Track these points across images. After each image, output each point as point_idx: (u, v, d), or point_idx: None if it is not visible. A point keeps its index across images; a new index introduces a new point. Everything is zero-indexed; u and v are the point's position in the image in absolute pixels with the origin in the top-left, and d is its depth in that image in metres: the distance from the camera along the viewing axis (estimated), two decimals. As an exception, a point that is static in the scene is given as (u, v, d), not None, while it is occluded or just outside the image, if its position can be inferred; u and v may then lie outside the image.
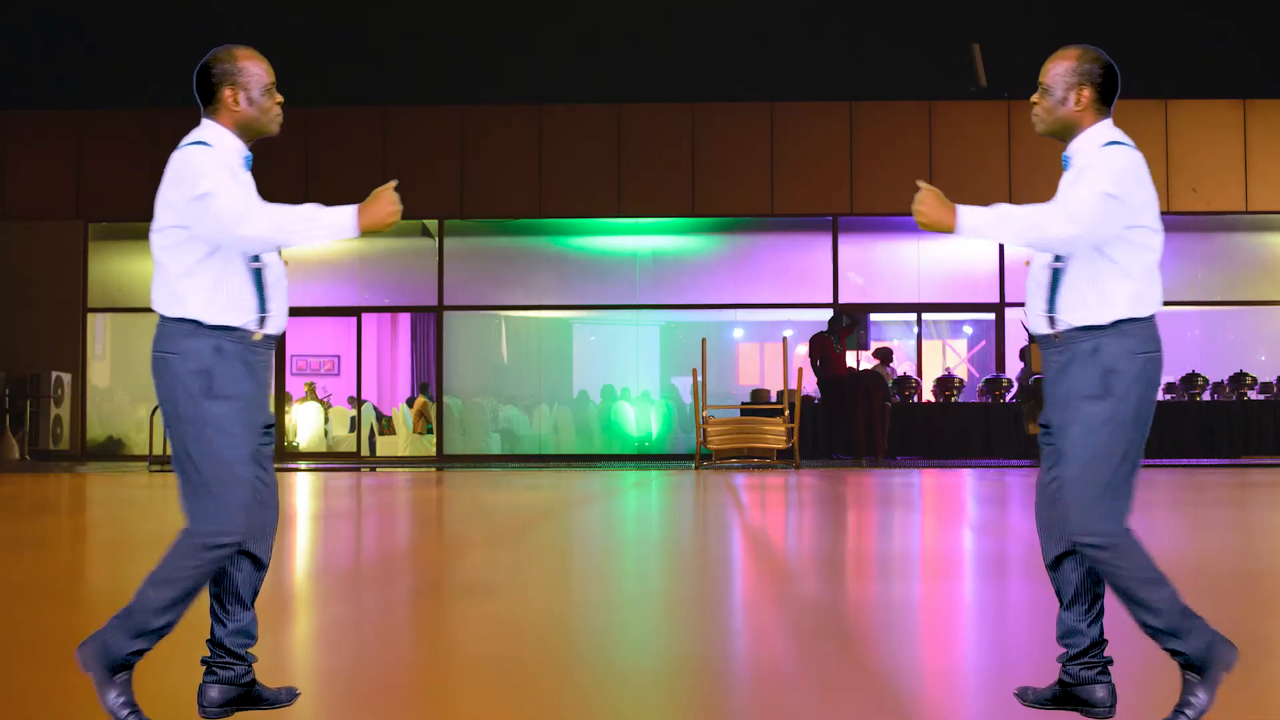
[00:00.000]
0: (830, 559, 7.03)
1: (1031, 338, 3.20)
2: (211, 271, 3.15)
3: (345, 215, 3.16)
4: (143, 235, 25.18)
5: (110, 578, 6.17)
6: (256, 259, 3.17)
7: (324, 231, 3.16)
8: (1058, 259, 3.19)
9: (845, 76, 25.99)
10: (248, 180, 3.21)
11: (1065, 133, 3.30)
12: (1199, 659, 3.13)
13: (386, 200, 3.17)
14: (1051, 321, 3.19)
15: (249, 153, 3.25)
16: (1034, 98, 3.32)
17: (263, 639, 4.28)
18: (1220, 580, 5.81)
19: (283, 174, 23.43)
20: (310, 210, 3.16)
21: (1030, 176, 22.94)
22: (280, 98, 3.25)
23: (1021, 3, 24.54)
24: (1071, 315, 3.17)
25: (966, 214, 3.19)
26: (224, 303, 3.15)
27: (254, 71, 3.23)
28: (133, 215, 23.73)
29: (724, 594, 5.70)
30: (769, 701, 3.50)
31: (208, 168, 3.13)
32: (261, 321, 3.17)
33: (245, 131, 3.25)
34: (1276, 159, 23.16)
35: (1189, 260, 23.46)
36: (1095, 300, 3.16)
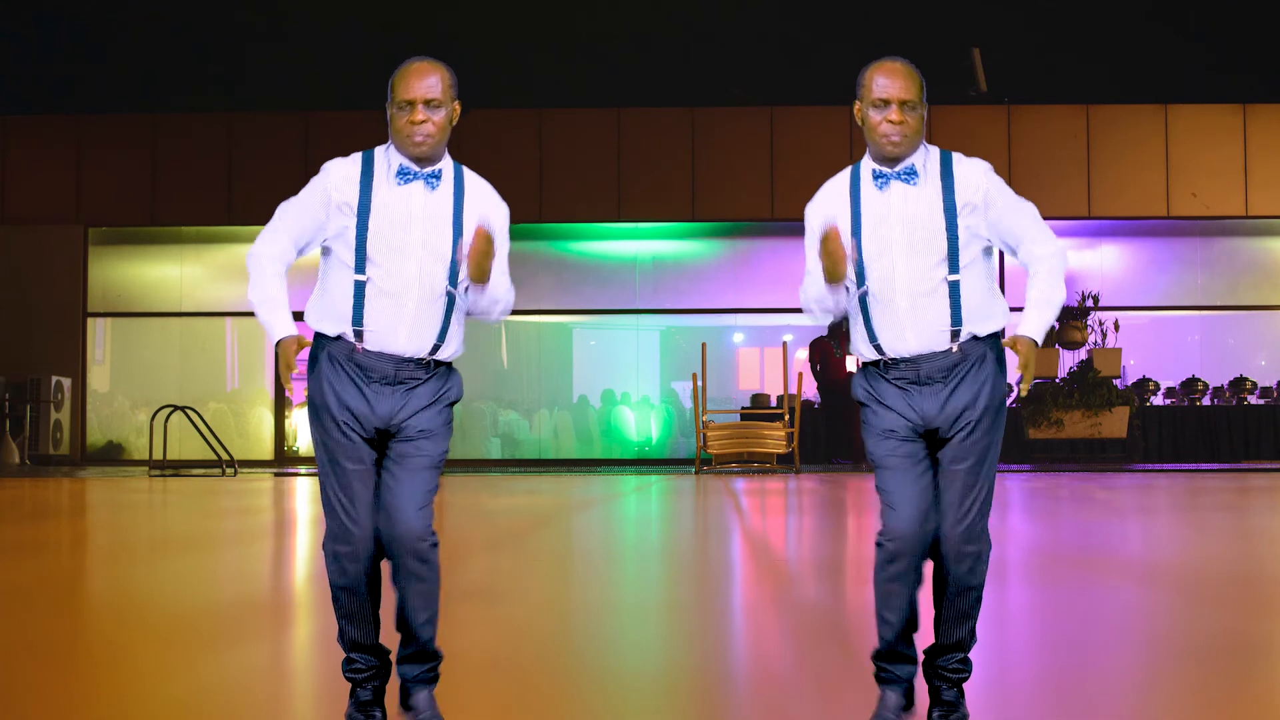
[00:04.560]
0: (830, 563, 7.04)
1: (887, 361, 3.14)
2: (321, 279, 3.19)
3: (276, 330, 3.11)
4: (143, 240, 25.25)
5: (110, 582, 6.17)
6: (361, 271, 3.09)
7: (261, 318, 3.14)
8: (953, 272, 3.14)
9: (845, 81, 25.98)
10: (395, 199, 3.11)
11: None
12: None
13: (286, 357, 3.07)
14: (955, 335, 3.14)
15: (410, 166, 3.13)
16: (897, 115, 3.17)
17: (262, 644, 4.28)
18: (1220, 585, 5.81)
19: (281, 178, 23.44)
20: (271, 294, 3.12)
21: (1031, 180, 22.94)
22: (419, 116, 3.07)
23: (1021, 8, 24.57)
24: (976, 326, 3.15)
25: (1036, 331, 3.14)
26: (320, 310, 3.15)
27: (395, 86, 3.12)
28: (133, 220, 23.76)
29: (724, 599, 5.70)
30: (770, 706, 3.50)
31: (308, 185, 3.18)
32: (359, 335, 3.09)
33: (399, 147, 3.14)
34: (1277, 164, 23.16)
35: (1189, 265, 23.46)
36: (998, 309, 3.18)
